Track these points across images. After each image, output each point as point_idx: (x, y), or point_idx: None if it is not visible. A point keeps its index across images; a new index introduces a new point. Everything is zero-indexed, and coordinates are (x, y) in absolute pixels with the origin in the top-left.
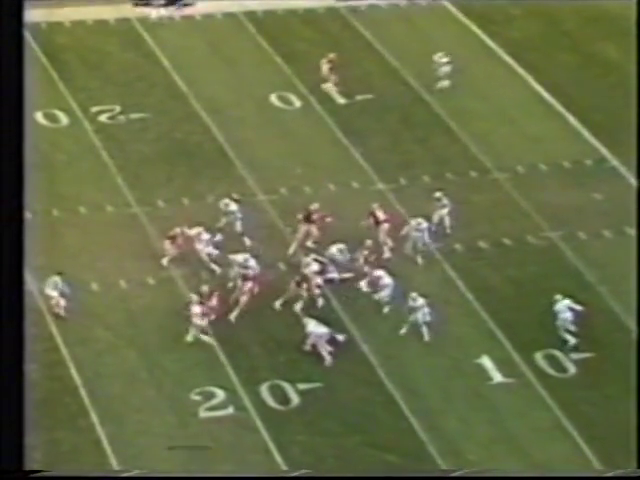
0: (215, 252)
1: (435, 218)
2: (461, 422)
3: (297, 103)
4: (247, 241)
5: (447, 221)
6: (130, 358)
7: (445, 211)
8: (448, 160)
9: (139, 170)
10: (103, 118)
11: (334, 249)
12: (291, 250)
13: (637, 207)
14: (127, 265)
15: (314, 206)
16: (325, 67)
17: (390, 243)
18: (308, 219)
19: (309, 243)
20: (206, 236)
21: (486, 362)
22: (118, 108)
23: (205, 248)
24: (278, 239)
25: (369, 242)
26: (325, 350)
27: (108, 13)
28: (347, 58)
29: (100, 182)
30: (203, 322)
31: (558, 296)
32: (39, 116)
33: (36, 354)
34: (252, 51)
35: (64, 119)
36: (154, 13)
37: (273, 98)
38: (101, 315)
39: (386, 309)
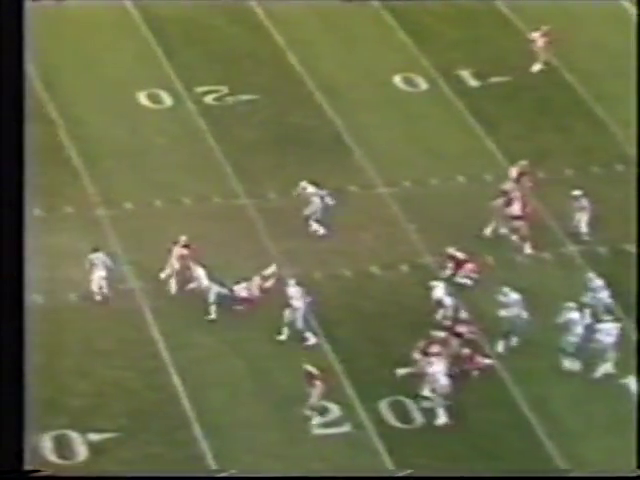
0: None
1: (575, 219)
2: (603, 450)
3: (423, 85)
4: (320, 229)
5: (584, 223)
6: (235, 366)
7: (583, 212)
8: (591, 150)
9: (247, 157)
10: (209, 99)
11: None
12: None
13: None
14: (235, 263)
15: None
16: (540, 41)
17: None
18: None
19: None
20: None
21: (632, 383)
22: (225, 89)
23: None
24: (400, 237)
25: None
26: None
27: None
28: (481, 35)
29: (205, 170)
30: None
31: None
32: (141, 96)
33: (135, 360)
34: (374, 26)
35: (167, 100)
36: None
37: (397, 79)
38: (203, 318)
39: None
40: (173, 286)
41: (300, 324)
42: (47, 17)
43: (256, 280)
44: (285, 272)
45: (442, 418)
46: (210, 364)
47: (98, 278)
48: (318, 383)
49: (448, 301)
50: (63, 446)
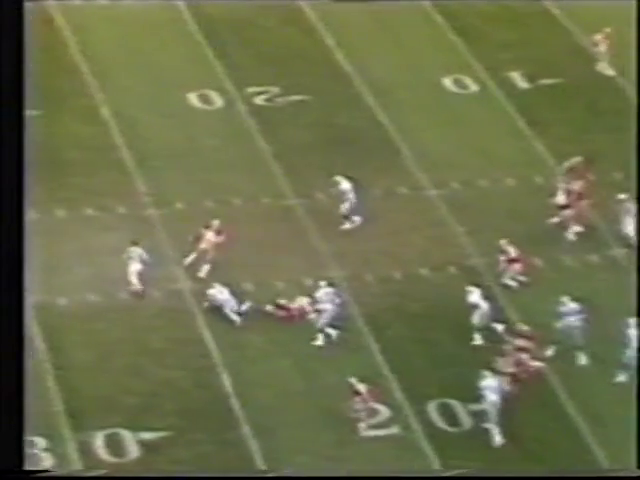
0: None
1: (622, 222)
2: None
3: (473, 87)
4: (355, 219)
5: (631, 227)
6: (284, 366)
7: (629, 216)
8: None
9: (296, 158)
10: (259, 100)
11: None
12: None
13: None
14: (282, 263)
15: None
16: (603, 43)
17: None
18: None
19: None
20: None
21: None
22: (276, 89)
23: None
24: (449, 239)
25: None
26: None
27: None
28: (532, 36)
29: (254, 170)
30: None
31: None
32: (192, 97)
33: (185, 360)
34: (424, 27)
35: (218, 101)
36: None
37: (446, 81)
38: (254, 318)
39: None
40: (204, 271)
41: (325, 324)
42: (100, 18)
43: (301, 300)
44: (334, 273)
45: (497, 437)
46: (259, 364)
47: (134, 272)
48: (362, 399)
49: (484, 305)
50: (115, 445)
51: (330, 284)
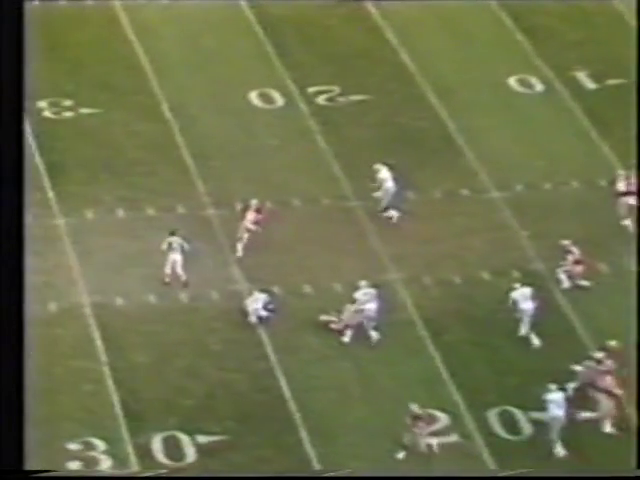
0: None
1: None
2: None
3: (539, 87)
4: (395, 215)
5: None
6: (342, 370)
7: None
8: None
9: (358, 158)
10: (321, 100)
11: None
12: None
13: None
14: (343, 266)
15: None
16: None
17: None
18: None
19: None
20: None
21: None
22: (337, 89)
23: None
24: (511, 242)
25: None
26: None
27: None
28: (599, 36)
29: (315, 171)
30: None
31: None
32: (253, 96)
33: (243, 362)
34: (490, 25)
35: (279, 100)
36: None
37: (512, 81)
38: (312, 321)
39: None
40: (240, 250)
41: (367, 323)
42: (162, 17)
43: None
44: (393, 276)
45: (558, 448)
46: (317, 367)
47: (172, 262)
48: (421, 425)
49: (528, 306)
50: (173, 447)
51: (372, 285)
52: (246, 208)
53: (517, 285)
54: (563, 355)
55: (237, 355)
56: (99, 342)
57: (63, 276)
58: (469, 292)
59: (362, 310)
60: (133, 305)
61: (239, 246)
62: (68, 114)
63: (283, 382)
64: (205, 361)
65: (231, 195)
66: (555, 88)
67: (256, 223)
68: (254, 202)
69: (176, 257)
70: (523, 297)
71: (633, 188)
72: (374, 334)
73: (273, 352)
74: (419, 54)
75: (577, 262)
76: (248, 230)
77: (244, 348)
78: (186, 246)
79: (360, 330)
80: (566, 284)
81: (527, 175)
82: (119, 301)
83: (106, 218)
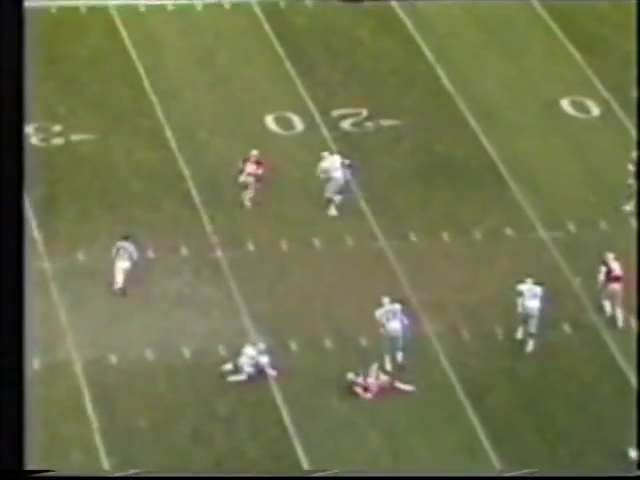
0: None
1: None
2: None
3: (595, 110)
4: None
5: None
6: (371, 438)
7: None
8: None
9: (388, 192)
10: (346, 124)
11: None
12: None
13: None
14: (370, 316)
15: None
16: None
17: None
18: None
19: None
20: None
21: None
22: (365, 112)
23: None
24: (562, 290)
25: None
26: None
27: None
28: None
29: (340, 207)
30: None
31: None
32: (269, 120)
33: (255, 427)
34: (540, 40)
35: (299, 124)
36: None
37: (564, 103)
38: (335, 380)
39: None
40: (247, 201)
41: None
42: (167, 27)
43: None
44: (427, 328)
45: None
46: (341, 434)
47: (121, 269)
48: None
49: (534, 304)
50: None
51: (395, 301)
52: (245, 160)
53: (528, 280)
54: (624, 421)
55: (249, 419)
56: (90, 404)
57: (49, 328)
58: (514, 347)
59: (387, 331)
60: (129, 361)
61: (246, 196)
62: (58, 141)
63: (301, 451)
64: (212, 426)
65: (243, 234)
66: (613, 111)
67: (256, 176)
68: (254, 153)
69: (124, 265)
70: (531, 293)
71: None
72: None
73: (289, 416)
74: (458, 71)
75: (615, 278)
76: (245, 184)
77: (257, 411)
78: (135, 254)
79: (389, 390)
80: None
81: (581, 211)
82: (113, 357)
83: (100, 260)
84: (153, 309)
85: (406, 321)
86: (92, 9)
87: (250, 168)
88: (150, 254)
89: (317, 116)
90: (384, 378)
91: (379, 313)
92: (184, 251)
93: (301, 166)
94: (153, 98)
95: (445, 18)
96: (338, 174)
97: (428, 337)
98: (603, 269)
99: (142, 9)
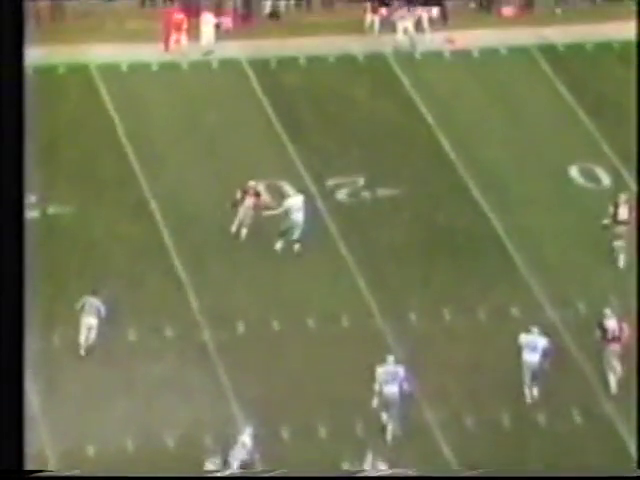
0: None
1: None
2: None
3: (605, 179)
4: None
5: None
6: None
7: None
8: None
9: (387, 267)
10: (342, 195)
11: None
12: None
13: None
14: (366, 401)
15: None
16: None
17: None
18: None
19: None
20: None
21: None
22: (361, 180)
23: None
24: (573, 376)
25: None
26: None
27: (357, 45)
28: None
29: (335, 284)
30: None
31: None
32: (260, 189)
33: None
34: (547, 102)
35: (290, 194)
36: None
37: (573, 171)
38: (328, 471)
39: None
40: (244, 234)
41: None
42: (148, 87)
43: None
44: (427, 416)
45: None
46: None
47: (86, 326)
48: None
49: (533, 358)
50: None
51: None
52: (245, 192)
53: (534, 329)
54: None
55: None
56: None
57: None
58: (523, 436)
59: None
60: (108, 452)
61: (243, 232)
62: (32, 214)
63: None
64: None
65: (232, 314)
66: (625, 181)
67: (256, 207)
68: (252, 184)
69: (90, 322)
70: (531, 346)
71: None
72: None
73: None
74: (461, 136)
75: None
76: (248, 215)
77: None
78: (103, 311)
79: None
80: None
81: (592, 290)
82: (90, 448)
83: (76, 342)
84: (134, 395)
85: (406, 387)
86: (71, 68)
87: (249, 202)
88: (131, 336)
89: (310, 185)
90: (381, 467)
91: (379, 371)
92: (168, 332)
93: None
94: (136, 166)
95: (447, 77)
96: (299, 216)
97: (429, 424)
98: (598, 332)
99: (124, 68)
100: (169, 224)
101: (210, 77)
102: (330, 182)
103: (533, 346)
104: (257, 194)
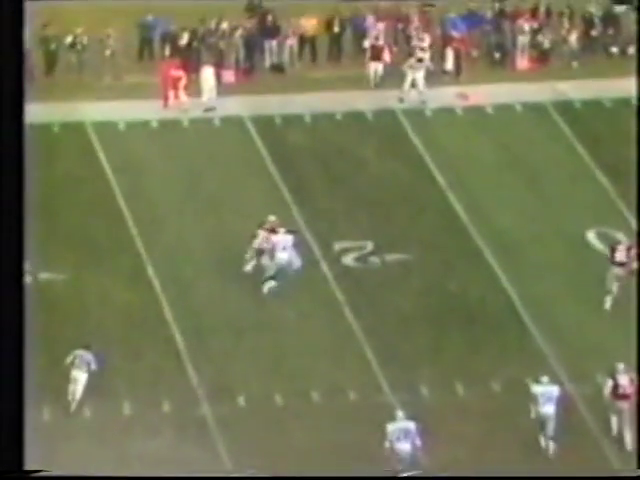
0: None
1: None
2: None
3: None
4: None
5: None
6: None
7: None
8: None
9: (396, 337)
10: (348, 259)
11: None
12: None
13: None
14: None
15: None
16: None
17: None
18: None
19: None
20: None
21: None
22: (369, 245)
23: None
24: (593, 454)
25: None
26: None
27: (364, 102)
28: None
29: (341, 355)
30: None
31: None
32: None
33: None
34: (563, 162)
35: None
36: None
37: (590, 236)
38: None
39: None
40: (250, 267)
41: None
42: (147, 148)
43: None
44: None
45: None
46: None
47: (75, 380)
48: None
49: (549, 410)
50: None
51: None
52: (261, 227)
53: (543, 378)
54: None
55: None
56: None
57: None
58: None
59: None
60: None
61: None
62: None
63: None
64: None
65: (233, 386)
66: None
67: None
68: (272, 219)
69: (80, 376)
70: (546, 396)
71: None
72: None
73: None
74: (473, 198)
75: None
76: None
77: None
78: (94, 365)
79: None
80: None
81: (611, 362)
82: None
83: (68, 417)
84: (129, 473)
85: (419, 442)
86: (66, 127)
87: (265, 235)
88: (126, 410)
89: (316, 249)
90: None
91: (390, 428)
92: (166, 406)
93: (298, 307)
94: (133, 230)
95: (459, 135)
96: (284, 255)
97: None
98: (610, 383)
99: (122, 127)
100: (167, 291)
101: (211, 135)
102: (337, 246)
103: (548, 396)
104: (273, 230)
